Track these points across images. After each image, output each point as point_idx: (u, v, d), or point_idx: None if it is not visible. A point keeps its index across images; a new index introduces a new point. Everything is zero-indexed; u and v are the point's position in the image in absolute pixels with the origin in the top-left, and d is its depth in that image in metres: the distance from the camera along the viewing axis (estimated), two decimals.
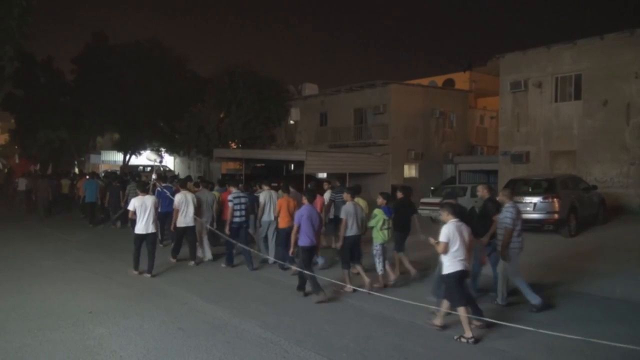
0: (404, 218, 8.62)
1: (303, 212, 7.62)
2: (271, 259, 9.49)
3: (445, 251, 5.78)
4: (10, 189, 23.53)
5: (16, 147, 46.13)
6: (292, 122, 32.11)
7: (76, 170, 34.19)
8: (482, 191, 8.07)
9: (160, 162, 36.06)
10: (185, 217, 9.72)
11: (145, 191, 9.24)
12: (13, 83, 24.32)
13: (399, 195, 8.88)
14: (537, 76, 19.63)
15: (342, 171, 24.87)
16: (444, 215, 6.05)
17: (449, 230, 5.81)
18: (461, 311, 5.68)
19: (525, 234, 7.21)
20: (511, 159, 20.31)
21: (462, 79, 34.23)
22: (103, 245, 11.99)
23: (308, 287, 7.48)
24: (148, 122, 32.03)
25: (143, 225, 8.77)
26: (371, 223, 8.03)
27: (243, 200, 9.63)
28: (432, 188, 21.57)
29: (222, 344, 5.49)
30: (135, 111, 30.89)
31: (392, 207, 8.36)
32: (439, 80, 34.54)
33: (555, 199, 12.75)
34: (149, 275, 8.83)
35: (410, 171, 27.56)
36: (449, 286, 5.89)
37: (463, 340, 5.56)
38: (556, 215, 12.69)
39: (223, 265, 9.69)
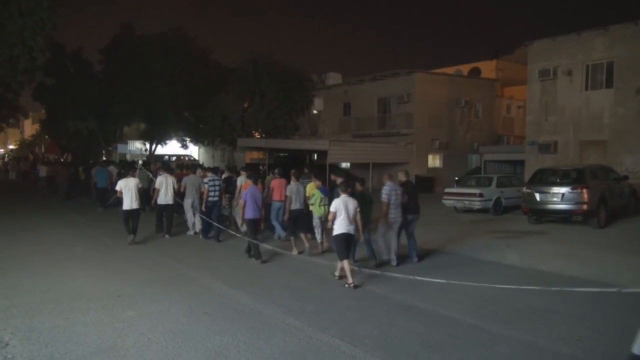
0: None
1: (248, 192, 9.09)
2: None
3: (333, 218, 7.45)
4: (33, 175, 26.33)
5: (46, 136, 47.42)
6: (315, 112, 32.07)
7: (103, 158, 34.93)
8: (400, 176, 9.43)
9: (146, 150, 37.54)
10: (165, 197, 11.28)
11: (128, 174, 11.09)
12: (44, 73, 24.94)
13: (359, 187, 8.83)
14: (566, 64, 19.10)
15: (365, 161, 24.80)
16: (341, 191, 7.62)
17: (337, 204, 7.46)
18: (345, 263, 7.35)
19: (553, 225, 7.09)
20: (539, 149, 19.88)
21: (488, 68, 33.58)
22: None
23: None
24: (173, 112, 32.42)
25: (128, 203, 10.47)
26: (311, 201, 9.65)
27: (217, 183, 11.40)
28: (456, 178, 21.33)
29: (246, 329, 5.57)
30: (160, 101, 31.30)
31: (327, 188, 9.99)
32: (465, 68, 33.96)
33: (584, 190, 12.46)
34: (132, 237, 10.55)
35: (434, 161, 27.28)
36: (337, 244, 7.50)
37: (346, 285, 7.19)
38: (585, 206, 12.41)
39: (200, 236, 11.42)
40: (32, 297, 6.68)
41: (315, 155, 29.23)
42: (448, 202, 16.94)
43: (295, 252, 9.48)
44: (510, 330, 5.58)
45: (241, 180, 11.35)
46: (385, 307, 6.48)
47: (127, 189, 10.46)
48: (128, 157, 40.43)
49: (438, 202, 17.42)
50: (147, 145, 37.35)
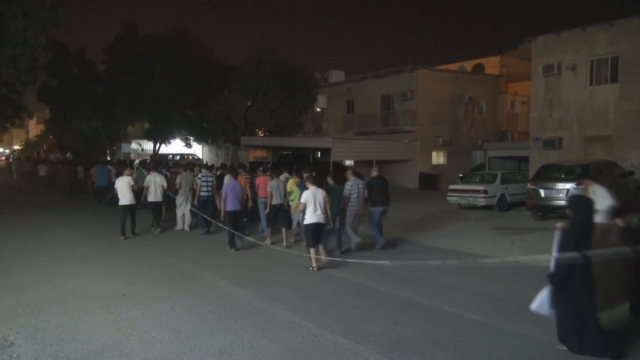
0: None
1: (228, 186, 9.87)
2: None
3: (304, 209, 8.14)
4: (34, 174, 27.38)
5: (51, 137, 47.60)
6: (318, 109, 32.02)
7: (107, 158, 35.04)
8: (373, 172, 10.28)
9: (142, 150, 37.97)
10: (154, 194, 11.79)
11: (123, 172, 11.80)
12: (47, 73, 25.02)
13: (330, 181, 9.60)
14: (571, 59, 18.99)
15: (369, 158, 24.72)
16: (309, 184, 8.34)
17: (308, 195, 8.17)
18: (312, 251, 8.17)
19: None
20: (543, 145, 19.78)
21: (492, 64, 33.40)
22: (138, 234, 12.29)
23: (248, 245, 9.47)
24: (176, 111, 32.44)
25: (123, 199, 11.13)
26: (291, 197, 10.11)
27: (209, 179, 11.95)
28: (460, 175, 21.27)
29: (251, 327, 5.57)
30: (164, 100, 31.32)
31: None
32: (469, 65, 33.81)
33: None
34: (133, 236, 11.31)
35: (438, 158, 27.22)
36: (307, 232, 8.26)
37: (310, 269, 8.09)
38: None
39: (201, 233, 11.85)
40: (37, 296, 6.71)
41: (319, 153, 29.19)
42: (452, 199, 16.90)
43: (269, 242, 10.35)
44: (515, 326, 5.56)
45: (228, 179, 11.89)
46: (389, 304, 6.46)
47: (121, 186, 11.29)
48: (132, 156, 40.58)
49: (442, 199, 17.38)
50: (142, 145, 38.09)
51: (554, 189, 13.00)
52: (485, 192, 15.93)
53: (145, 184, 12.02)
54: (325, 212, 8.28)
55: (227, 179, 11.43)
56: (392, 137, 26.22)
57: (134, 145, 40.00)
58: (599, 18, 32.69)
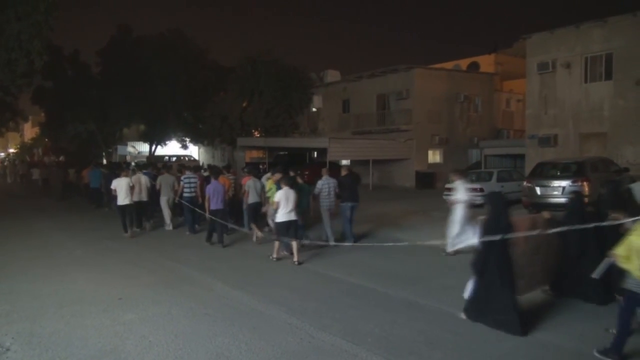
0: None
1: (211, 186, 10.59)
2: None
3: (277, 207, 8.79)
4: (28, 177, 28.27)
5: (46, 140, 47.45)
6: (314, 109, 31.99)
7: (104, 161, 34.96)
8: (343, 171, 11.16)
9: (139, 153, 38.39)
10: (127, 196, 11.78)
11: (123, 174, 12.09)
12: (42, 76, 24.96)
13: (299, 180, 10.46)
14: (565, 56, 19.04)
15: (365, 158, 24.77)
16: (282, 184, 8.99)
17: (281, 195, 8.80)
18: (276, 243, 9.02)
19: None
20: (539, 143, 19.83)
21: (487, 62, 33.47)
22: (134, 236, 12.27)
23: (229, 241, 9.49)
24: (172, 112, 32.39)
25: (122, 199, 11.62)
26: (268, 194, 10.43)
27: (193, 181, 12.36)
28: None
29: (248, 329, 5.56)
30: (159, 102, 31.26)
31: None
32: (464, 63, 33.86)
33: (584, 182, 12.43)
34: (138, 230, 12.11)
35: (434, 157, 27.24)
36: (280, 229, 8.91)
37: (271, 257, 9.03)
38: (586, 199, 12.37)
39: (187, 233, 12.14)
40: (33, 302, 6.68)
41: (315, 153, 29.18)
42: (449, 197, 16.89)
43: (255, 238, 10.86)
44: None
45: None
46: (386, 304, 6.46)
47: (120, 187, 11.68)
48: (128, 159, 40.51)
49: (439, 197, 17.39)
50: (137, 148, 38.31)
51: (549, 186, 13.04)
52: (481, 190, 15.94)
53: (113, 186, 12.31)
54: (295, 210, 8.94)
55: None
56: (388, 136, 26.23)
57: (129, 149, 40.13)
58: (592, 15, 32.77)
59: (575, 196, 7.08)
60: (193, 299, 6.76)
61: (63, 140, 37.99)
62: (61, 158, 40.84)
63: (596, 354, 4.76)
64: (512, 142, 25.17)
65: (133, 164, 18.00)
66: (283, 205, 8.76)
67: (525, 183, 13.96)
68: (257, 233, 10.87)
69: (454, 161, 26.38)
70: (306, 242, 9.54)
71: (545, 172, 13.86)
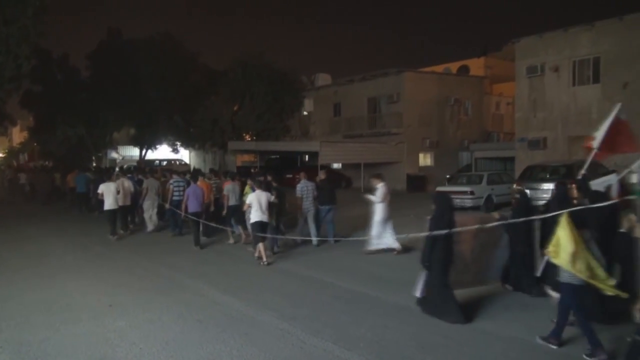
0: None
1: (190, 190, 11.10)
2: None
3: (248, 209, 9.33)
4: (15, 182, 28.03)
5: (35, 144, 47.00)
6: (305, 113, 32.02)
7: (94, 165, 34.69)
8: (320, 174, 11.67)
9: (123, 157, 38.49)
10: (112, 200, 12.05)
11: (109, 179, 12.63)
12: (30, 80, 24.73)
13: (274, 183, 10.94)
14: (554, 60, 19.24)
15: (356, 161, 24.81)
16: (256, 187, 9.51)
17: (252, 197, 9.30)
18: (260, 246, 9.21)
19: None
20: (528, 145, 20.01)
21: (476, 65, 33.72)
22: (123, 241, 12.19)
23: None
24: (163, 116, 32.23)
25: (110, 203, 11.96)
26: (245, 198, 10.42)
27: (180, 184, 12.58)
28: (447, 176, 21.39)
29: (239, 335, 5.54)
30: (150, 106, 31.10)
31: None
32: (454, 66, 34.09)
33: (573, 185, 12.52)
34: (122, 233, 12.42)
35: (425, 160, 27.36)
36: (253, 230, 9.35)
37: (261, 264, 9.07)
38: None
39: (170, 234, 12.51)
40: (22, 309, 6.61)
41: (307, 157, 29.19)
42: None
43: (232, 240, 11.42)
44: (504, 328, 5.60)
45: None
46: (378, 308, 6.47)
47: (108, 192, 11.97)
48: (118, 162, 40.27)
49: (429, 200, 17.46)
50: (120, 153, 38.79)
51: (539, 189, 13.15)
52: (472, 193, 16.05)
53: (99, 191, 12.45)
54: (268, 212, 9.39)
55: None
56: (379, 139, 26.30)
57: (113, 154, 40.32)
58: (580, 19, 33.15)
59: (521, 196, 7.44)
60: (184, 305, 6.72)
61: (52, 145, 37.63)
62: (47, 162, 40.71)
63: (538, 340, 5.19)
64: (502, 145, 25.36)
65: (117, 169, 18.39)
66: (255, 207, 9.23)
67: (515, 186, 14.07)
68: (231, 237, 11.49)
69: (445, 164, 26.55)
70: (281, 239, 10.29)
71: (535, 174, 14.00)
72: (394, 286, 7.44)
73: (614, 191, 6.98)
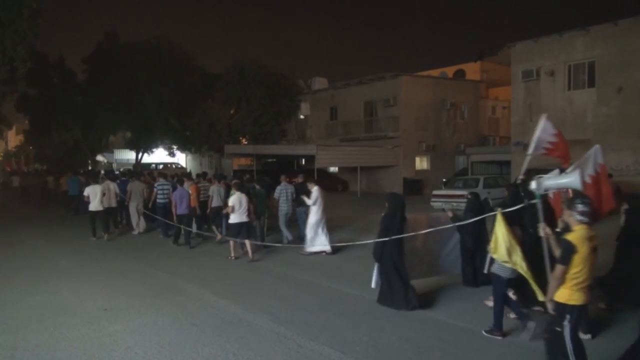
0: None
1: (177, 193, 11.48)
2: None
3: (232, 211, 9.68)
4: (8, 185, 28.79)
5: (30, 147, 46.82)
6: (302, 116, 32.04)
7: (89, 168, 34.60)
8: (298, 178, 12.21)
9: (107, 161, 38.79)
10: (97, 202, 12.39)
11: (95, 182, 13.12)
12: (26, 84, 24.66)
13: (256, 186, 11.58)
14: (549, 65, 19.35)
15: (353, 165, 24.84)
16: (234, 189, 10.03)
17: (235, 199, 9.74)
18: (231, 243, 9.91)
19: None
20: (524, 149, 20.05)
21: (473, 70, 33.89)
22: (118, 245, 12.14)
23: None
24: (159, 119, 32.19)
25: (95, 205, 12.34)
26: (228, 199, 10.63)
27: (165, 187, 12.95)
28: (444, 180, 21.42)
29: (235, 339, 5.51)
30: (146, 109, 31.06)
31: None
32: (450, 71, 34.24)
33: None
34: (105, 236, 12.46)
35: (421, 163, 27.41)
36: (232, 229, 9.90)
37: (229, 258, 9.83)
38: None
39: (160, 236, 12.76)
40: (16, 313, 6.56)
41: (303, 160, 29.19)
42: (436, 204, 17.02)
43: (219, 237, 11.86)
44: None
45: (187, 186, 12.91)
46: (375, 312, 6.45)
47: (94, 194, 12.36)
48: (114, 166, 40.13)
49: (426, 203, 17.48)
50: (106, 158, 40.16)
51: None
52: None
53: (85, 193, 12.68)
54: (248, 212, 9.90)
55: (186, 186, 12.65)
56: (375, 143, 26.34)
57: (99, 157, 40.50)
58: (575, 24, 33.34)
59: (472, 196, 7.73)
60: (179, 308, 6.69)
61: (48, 148, 37.53)
62: (37, 165, 40.87)
63: (484, 333, 5.53)
64: (498, 149, 25.46)
65: (102, 172, 19.08)
66: (237, 208, 9.69)
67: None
68: (218, 235, 11.92)
69: (441, 167, 26.61)
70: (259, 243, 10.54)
71: (530, 178, 14.04)
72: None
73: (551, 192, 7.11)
